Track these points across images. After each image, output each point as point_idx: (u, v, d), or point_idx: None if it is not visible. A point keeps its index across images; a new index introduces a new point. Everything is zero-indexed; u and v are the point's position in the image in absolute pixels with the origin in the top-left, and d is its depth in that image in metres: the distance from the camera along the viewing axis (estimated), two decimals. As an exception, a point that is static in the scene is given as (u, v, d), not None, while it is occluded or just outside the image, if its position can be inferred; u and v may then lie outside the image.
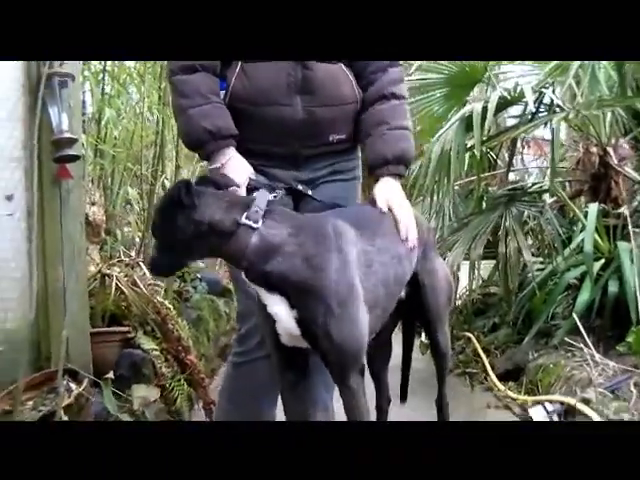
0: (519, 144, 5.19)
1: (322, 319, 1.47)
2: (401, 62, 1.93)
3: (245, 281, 1.55)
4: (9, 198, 2.32)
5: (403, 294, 1.81)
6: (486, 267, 4.50)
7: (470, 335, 4.26)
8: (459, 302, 4.76)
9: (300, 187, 1.79)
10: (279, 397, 1.80)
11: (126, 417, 2.41)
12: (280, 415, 1.83)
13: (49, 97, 2.35)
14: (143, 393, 2.60)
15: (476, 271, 3.95)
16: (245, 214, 1.47)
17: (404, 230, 1.75)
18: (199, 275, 4.71)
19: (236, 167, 1.70)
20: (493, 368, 3.63)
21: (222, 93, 1.76)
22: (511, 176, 5.31)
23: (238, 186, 1.63)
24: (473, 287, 4.35)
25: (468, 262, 3.89)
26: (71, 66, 2.43)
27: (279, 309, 1.51)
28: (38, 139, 2.30)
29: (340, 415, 1.65)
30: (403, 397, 2.16)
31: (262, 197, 1.53)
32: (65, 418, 2.05)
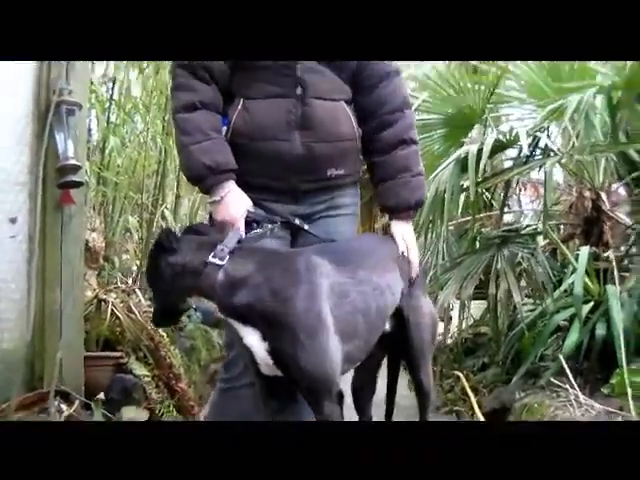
0: (515, 186, 5.24)
1: (291, 349, 1.51)
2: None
3: None
4: (13, 221, 2.38)
5: (388, 327, 1.82)
6: (479, 307, 4.53)
7: (459, 374, 4.25)
8: (450, 341, 4.77)
9: (297, 221, 1.84)
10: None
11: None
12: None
13: (56, 124, 2.42)
14: (132, 414, 2.63)
15: (466, 310, 3.98)
16: (212, 253, 1.55)
17: (414, 272, 1.90)
18: (194, 305, 4.71)
19: (235, 200, 1.75)
20: (480, 407, 3.62)
21: (224, 129, 1.81)
22: (507, 217, 5.36)
23: (222, 236, 1.67)
24: (463, 326, 4.38)
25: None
26: (79, 95, 2.50)
27: (252, 341, 1.56)
28: (44, 165, 2.37)
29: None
30: (387, 430, 2.17)
31: (232, 236, 1.62)
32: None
